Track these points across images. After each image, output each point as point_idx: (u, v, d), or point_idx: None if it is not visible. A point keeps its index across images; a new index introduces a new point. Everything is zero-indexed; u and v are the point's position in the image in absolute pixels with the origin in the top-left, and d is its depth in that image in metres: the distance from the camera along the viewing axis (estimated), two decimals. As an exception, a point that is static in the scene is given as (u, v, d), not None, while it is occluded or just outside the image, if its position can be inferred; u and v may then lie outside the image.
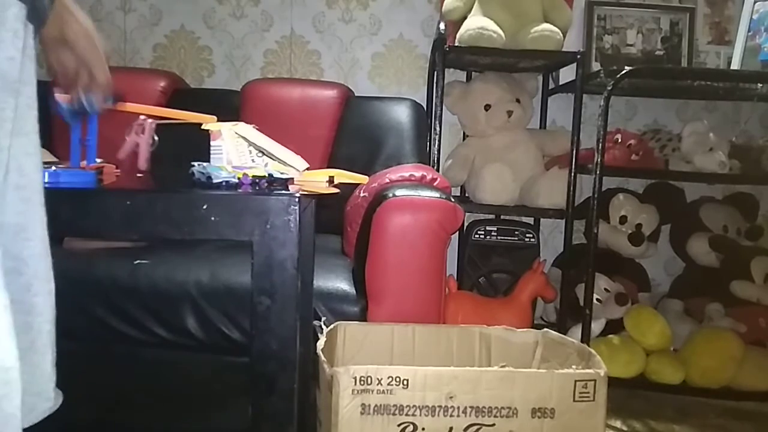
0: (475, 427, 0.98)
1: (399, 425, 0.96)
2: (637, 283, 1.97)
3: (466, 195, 2.04)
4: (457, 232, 1.73)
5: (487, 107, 1.94)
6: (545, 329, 1.29)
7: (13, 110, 0.59)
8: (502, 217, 2.03)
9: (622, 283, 1.85)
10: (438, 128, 1.76)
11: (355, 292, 1.27)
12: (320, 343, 1.08)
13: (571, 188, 1.76)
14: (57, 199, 0.75)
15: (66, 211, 0.75)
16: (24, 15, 0.60)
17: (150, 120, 0.97)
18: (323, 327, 1.18)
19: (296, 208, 0.73)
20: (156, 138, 0.98)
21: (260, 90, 1.92)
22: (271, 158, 0.91)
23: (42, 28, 0.66)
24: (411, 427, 0.97)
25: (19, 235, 0.63)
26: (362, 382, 0.95)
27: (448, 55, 1.77)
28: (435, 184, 1.39)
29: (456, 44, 1.77)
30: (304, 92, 1.92)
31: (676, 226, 2.07)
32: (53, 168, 0.81)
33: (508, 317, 1.60)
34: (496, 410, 0.98)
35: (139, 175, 1.06)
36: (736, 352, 1.65)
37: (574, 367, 1.04)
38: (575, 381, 0.99)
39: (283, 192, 0.77)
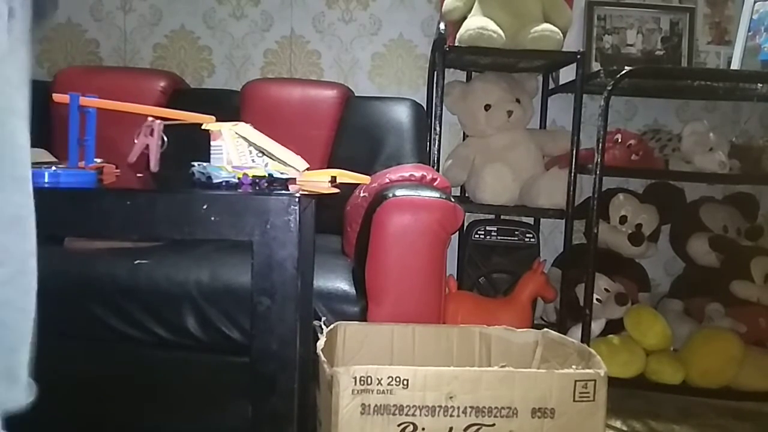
0: (475, 427, 0.98)
1: (399, 425, 0.96)
2: (637, 283, 1.97)
3: (466, 195, 2.04)
4: (457, 232, 1.73)
5: (487, 107, 1.94)
6: (545, 329, 1.29)
7: None
8: (502, 217, 2.03)
9: (622, 283, 1.85)
10: (438, 128, 1.76)
11: (355, 292, 1.27)
12: (320, 343, 1.08)
13: (571, 188, 1.76)
14: (57, 199, 0.75)
15: (66, 211, 0.75)
16: None
17: (158, 121, 0.97)
18: (323, 327, 1.18)
19: (296, 208, 0.73)
20: (165, 139, 0.98)
21: (260, 90, 1.92)
22: (271, 158, 0.91)
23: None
24: (411, 427, 0.97)
25: (15, 229, 0.60)
26: (362, 382, 0.95)
27: (448, 55, 1.77)
28: (435, 184, 1.39)
29: (456, 44, 1.77)
30: (304, 92, 1.92)
31: (676, 226, 2.07)
32: (53, 168, 0.80)
33: (508, 317, 1.60)
34: (496, 410, 0.98)
35: (138, 175, 1.05)
36: (736, 352, 1.65)
37: (574, 367, 1.04)
38: (575, 381, 0.99)
39: (283, 192, 0.77)
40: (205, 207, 0.74)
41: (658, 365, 1.68)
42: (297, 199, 0.74)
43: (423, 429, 0.97)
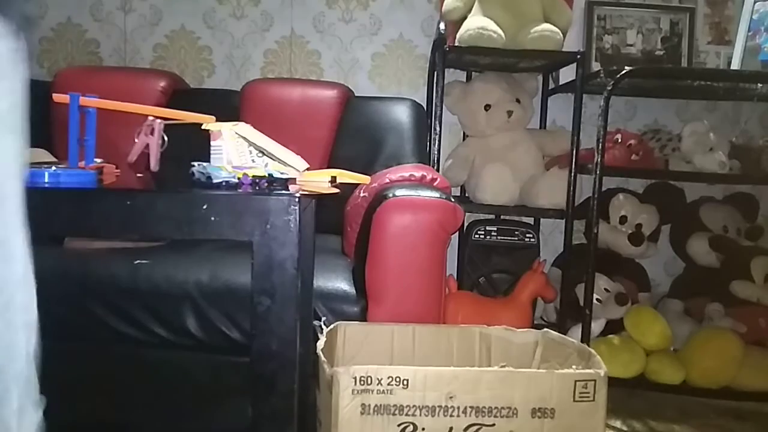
0: (475, 427, 0.98)
1: (399, 425, 0.96)
2: (637, 283, 1.97)
3: (466, 195, 2.04)
4: (457, 232, 1.73)
5: (487, 107, 1.94)
6: (545, 329, 1.29)
7: None
8: (502, 217, 2.03)
9: (622, 283, 1.85)
10: (438, 128, 1.75)
11: (355, 292, 1.27)
12: (320, 343, 1.08)
13: (571, 188, 1.76)
14: (57, 199, 0.75)
15: (66, 211, 0.75)
16: None
17: (159, 120, 0.97)
18: (323, 327, 1.18)
19: (296, 208, 0.73)
20: (166, 138, 0.98)
21: (260, 90, 1.92)
22: (271, 158, 0.91)
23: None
24: (411, 427, 0.97)
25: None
26: (362, 382, 0.95)
27: (448, 55, 1.76)
28: (435, 184, 1.39)
29: (456, 44, 1.77)
30: (304, 92, 1.92)
31: (676, 226, 2.07)
32: (53, 168, 0.81)
33: (508, 317, 1.60)
34: (496, 410, 0.98)
35: (138, 174, 1.06)
36: (736, 352, 1.65)
37: (574, 367, 1.04)
38: (575, 381, 0.99)
39: (283, 192, 0.77)
40: (205, 207, 0.74)
41: (658, 365, 1.68)
42: (297, 199, 0.74)
43: (423, 429, 0.97)
